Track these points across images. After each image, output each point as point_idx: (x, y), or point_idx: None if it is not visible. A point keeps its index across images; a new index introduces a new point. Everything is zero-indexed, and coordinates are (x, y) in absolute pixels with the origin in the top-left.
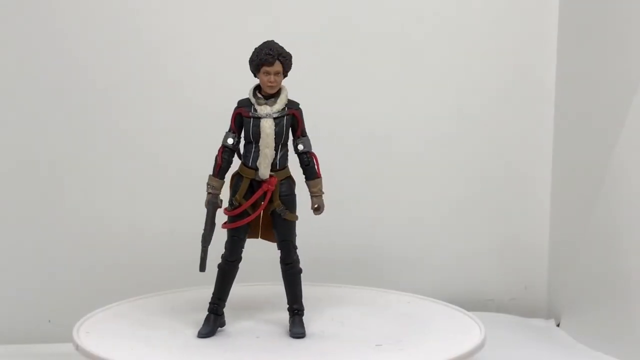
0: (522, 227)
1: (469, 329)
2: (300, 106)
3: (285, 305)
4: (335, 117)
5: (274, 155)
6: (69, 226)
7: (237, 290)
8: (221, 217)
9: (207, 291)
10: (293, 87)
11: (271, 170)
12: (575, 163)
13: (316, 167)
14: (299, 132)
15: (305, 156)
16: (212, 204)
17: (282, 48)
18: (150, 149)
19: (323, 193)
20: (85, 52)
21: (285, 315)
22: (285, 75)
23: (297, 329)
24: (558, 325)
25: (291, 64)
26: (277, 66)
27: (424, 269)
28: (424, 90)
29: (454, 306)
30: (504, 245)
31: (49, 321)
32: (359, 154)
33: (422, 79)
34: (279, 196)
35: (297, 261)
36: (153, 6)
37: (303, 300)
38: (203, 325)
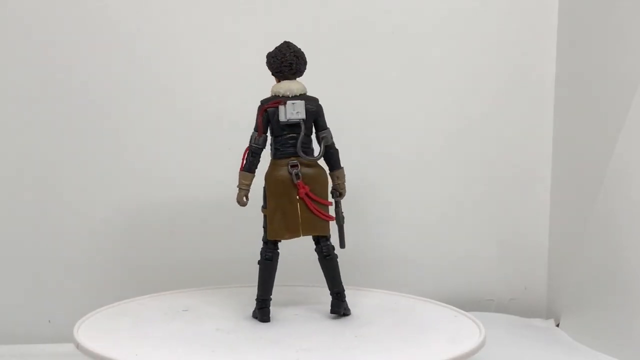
0: (522, 228)
1: (468, 329)
2: (260, 103)
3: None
4: (335, 117)
5: None
6: (69, 226)
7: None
8: None
9: (206, 292)
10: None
11: None
12: (575, 163)
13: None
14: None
15: None
16: None
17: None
18: (150, 149)
19: (240, 187)
20: (81, 54)
21: (287, 315)
22: (273, 74)
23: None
24: (558, 325)
25: (268, 63)
26: None
27: (424, 269)
28: (423, 91)
29: (453, 307)
30: (503, 246)
31: (49, 321)
32: (358, 155)
33: (420, 79)
34: None
35: (261, 253)
36: (151, 7)
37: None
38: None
